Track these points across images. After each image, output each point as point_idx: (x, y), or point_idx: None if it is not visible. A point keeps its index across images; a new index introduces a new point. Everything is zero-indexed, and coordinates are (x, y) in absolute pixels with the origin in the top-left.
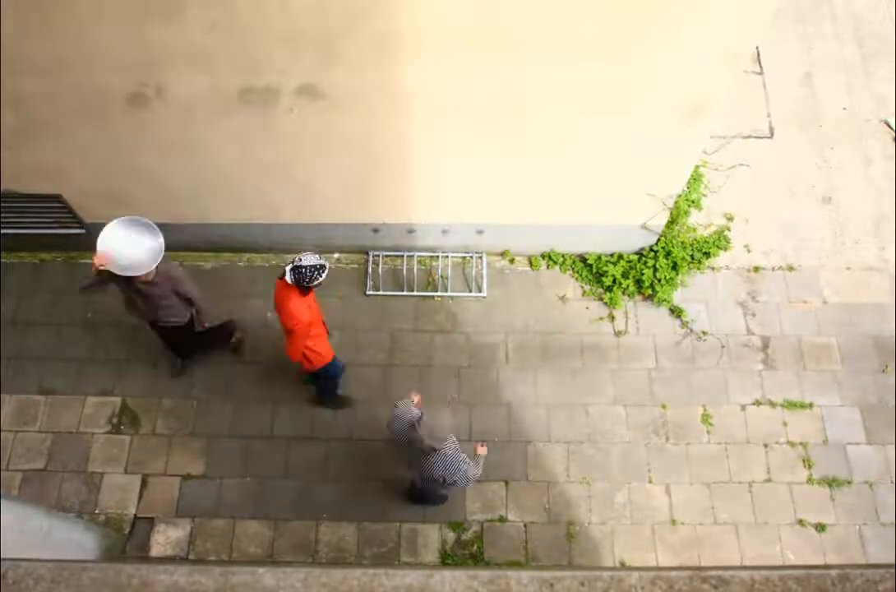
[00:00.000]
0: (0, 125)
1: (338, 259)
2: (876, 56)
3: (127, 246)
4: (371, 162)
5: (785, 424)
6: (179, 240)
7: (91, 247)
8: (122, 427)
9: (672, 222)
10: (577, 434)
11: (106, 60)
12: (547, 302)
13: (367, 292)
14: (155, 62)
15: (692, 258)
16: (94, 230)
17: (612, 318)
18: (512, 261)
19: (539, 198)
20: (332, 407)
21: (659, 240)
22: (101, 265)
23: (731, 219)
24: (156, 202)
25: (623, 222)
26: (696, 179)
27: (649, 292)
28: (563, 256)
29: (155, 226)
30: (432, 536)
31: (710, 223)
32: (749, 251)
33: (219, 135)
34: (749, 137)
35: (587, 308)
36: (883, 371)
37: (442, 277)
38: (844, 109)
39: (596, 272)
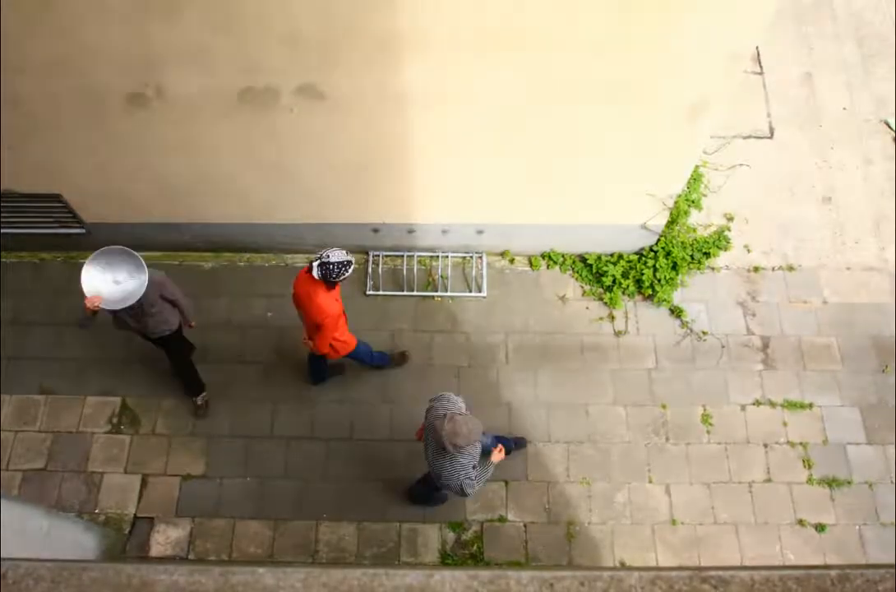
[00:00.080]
0: (0, 125)
1: None
2: (876, 56)
3: (112, 284)
4: (371, 162)
5: (785, 424)
6: (179, 240)
7: (91, 247)
8: (122, 427)
9: (672, 221)
10: (577, 434)
11: (106, 60)
12: (547, 302)
13: (367, 292)
14: (155, 62)
15: (692, 258)
16: (94, 230)
17: (612, 318)
18: (512, 261)
19: (539, 198)
20: (388, 366)
21: (659, 240)
22: (96, 307)
23: (731, 219)
24: (155, 202)
25: (623, 221)
26: (696, 179)
27: (649, 292)
28: (563, 256)
29: (126, 248)
30: (432, 536)
31: (709, 223)
32: (749, 251)
33: (219, 135)
34: (749, 137)
35: (587, 308)
36: (883, 371)
37: (442, 277)
38: (844, 109)
39: (596, 272)
